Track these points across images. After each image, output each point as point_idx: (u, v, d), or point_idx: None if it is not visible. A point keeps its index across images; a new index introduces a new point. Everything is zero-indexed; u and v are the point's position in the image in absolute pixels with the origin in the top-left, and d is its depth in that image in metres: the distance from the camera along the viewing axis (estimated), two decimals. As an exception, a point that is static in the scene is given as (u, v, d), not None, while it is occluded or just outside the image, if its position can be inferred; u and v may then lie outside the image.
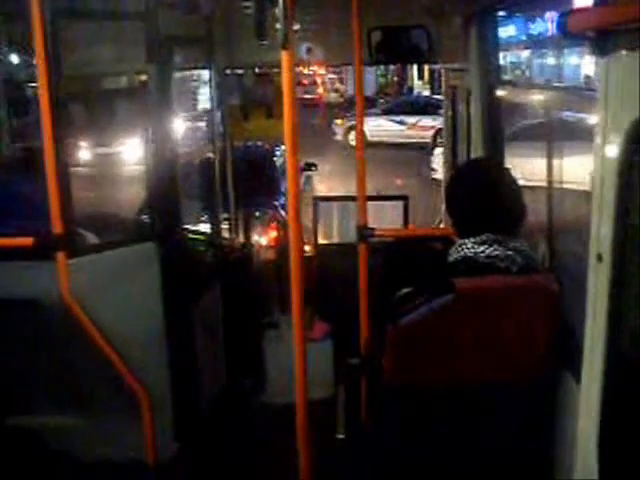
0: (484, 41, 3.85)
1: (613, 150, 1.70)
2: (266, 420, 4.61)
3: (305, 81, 36.61)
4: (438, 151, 17.12)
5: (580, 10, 1.79)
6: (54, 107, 3.25)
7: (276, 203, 9.35)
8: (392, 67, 33.43)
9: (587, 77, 15.91)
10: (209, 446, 4.12)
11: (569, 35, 1.77)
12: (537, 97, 3.72)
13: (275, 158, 10.75)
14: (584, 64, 17.83)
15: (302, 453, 2.98)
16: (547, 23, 19.12)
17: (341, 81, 39.83)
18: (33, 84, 3.87)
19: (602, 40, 1.69)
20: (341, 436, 3.86)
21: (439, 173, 15.38)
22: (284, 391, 3.53)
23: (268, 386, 4.91)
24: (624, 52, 1.64)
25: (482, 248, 2.67)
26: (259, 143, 11.60)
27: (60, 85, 3.33)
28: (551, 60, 22.37)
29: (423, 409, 2.70)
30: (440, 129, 15.09)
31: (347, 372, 4.26)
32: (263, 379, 4.94)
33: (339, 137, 24.82)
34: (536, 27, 21.41)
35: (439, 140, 17.60)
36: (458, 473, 2.73)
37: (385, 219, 5.08)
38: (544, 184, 3.36)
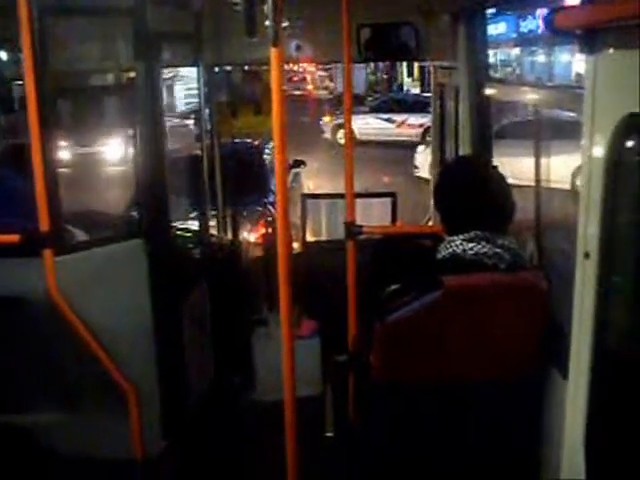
0: (472, 39, 3.85)
1: (600, 148, 1.70)
2: (254, 417, 4.60)
3: (295, 78, 36.68)
4: (421, 149, 17.12)
5: (568, 8, 1.79)
6: (41, 104, 3.23)
7: (265, 200, 9.32)
8: (382, 64, 33.50)
9: (578, 75, 15.95)
10: (197, 443, 4.12)
11: (557, 33, 1.78)
12: (527, 95, 3.72)
13: (265, 156, 10.70)
14: (575, 62, 17.88)
15: (290, 450, 2.97)
16: (537, 20, 19.16)
17: (330, 78, 39.86)
18: (19, 81, 3.85)
19: (590, 38, 1.70)
20: (329, 434, 3.86)
21: (422, 171, 15.39)
22: (272, 388, 3.52)
23: (256, 383, 4.90)
24: (612, 50, 1.65)
25: (470, 245, 2.66)
26: (248, 140, 11.56)
27: (47, 82, 3.31)
28: (541, 58, 22.42)
29: (411, 406, 2.70)
30: (429, 127, 15.11)
31: (335, 369, 4.25)
32: (251, 376, 4.93)
33: (327, 135, 24.73)
34: (526, 24, 21.46)
35: (427, 138, 17.56)
36: (446, 470, 2.73)
37: (373, 216, 5.08)
38: (532, 183, 3.37)
